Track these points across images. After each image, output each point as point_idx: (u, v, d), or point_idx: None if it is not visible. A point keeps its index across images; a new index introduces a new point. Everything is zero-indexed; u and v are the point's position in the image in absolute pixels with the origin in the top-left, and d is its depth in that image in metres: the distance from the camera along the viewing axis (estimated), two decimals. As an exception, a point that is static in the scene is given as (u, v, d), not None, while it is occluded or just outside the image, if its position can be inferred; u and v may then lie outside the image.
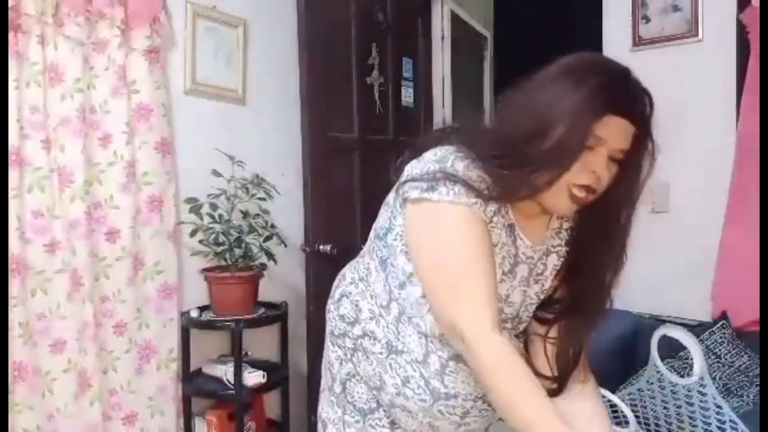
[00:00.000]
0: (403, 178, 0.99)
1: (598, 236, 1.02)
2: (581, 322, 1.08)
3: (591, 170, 0.91)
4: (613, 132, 0.89)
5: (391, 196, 1.04)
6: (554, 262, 1.08)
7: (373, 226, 1.11)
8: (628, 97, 0.91)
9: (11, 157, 1.60)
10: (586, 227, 1.04)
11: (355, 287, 1.11)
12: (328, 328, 1.17)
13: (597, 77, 0.90)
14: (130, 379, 1.83)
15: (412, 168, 0.98)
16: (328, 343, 1.17)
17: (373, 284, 1.07)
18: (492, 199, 0.93)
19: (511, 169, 0.91)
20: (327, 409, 1.17)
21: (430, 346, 1.01)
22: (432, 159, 0.96)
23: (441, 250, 0.93)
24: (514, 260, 1.01)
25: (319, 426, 1.20)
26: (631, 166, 0.93)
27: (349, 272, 1.16)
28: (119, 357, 1.82)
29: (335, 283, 1.19)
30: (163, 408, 1.89)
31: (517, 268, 1.02)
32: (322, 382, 1.21)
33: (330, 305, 1.17)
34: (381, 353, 1.05)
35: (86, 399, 1.72)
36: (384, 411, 1.10)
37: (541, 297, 1.09)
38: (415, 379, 1.02)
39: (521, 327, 1.12)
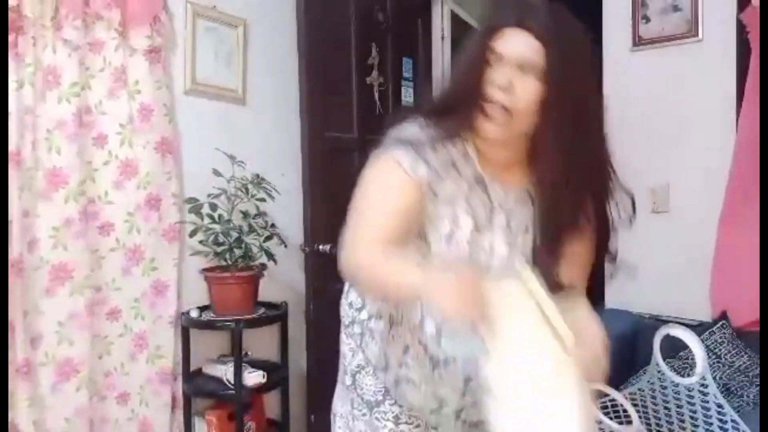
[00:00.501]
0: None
1: (552, 152, 0.97)
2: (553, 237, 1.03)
3: (496, 85, 0.92)
4: (511, 44, 0.92)
5: None
6: None
7: None
8: (518, 10, 0.94)
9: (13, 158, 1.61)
10: (539, 146, 0.99)
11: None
12: (342, 321, 1.22)
13: (491, 7, 1.00)
14: (123, 361, 1.85)
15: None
16: (342, 336, 1.22)
17: None
18: (436, 146, 0.98)
19: (446, 113, 0.98)
20: (338, 403, 1.22)
21: (425, 312, 1.03)
22: (391, 133, 1.03)
23: (362, 196, 1.01)
24: (490, 210, 1.02)
25: (332, 419, 1.25)
26: (551, 78, 0.92)
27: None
28: (113, 342, 1.83)
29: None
30: (148, 400, 1.89)
31: (495, 219, 1.02)
32: (339, 375, 1.26)
33: (342, 299, 1.23)
34: (384, 329, 1.09)
35: (73, 384, 1.74)
36: (389, 403, 1.12)
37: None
38: (414, 347, 1.05)
39: None
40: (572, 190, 0.98)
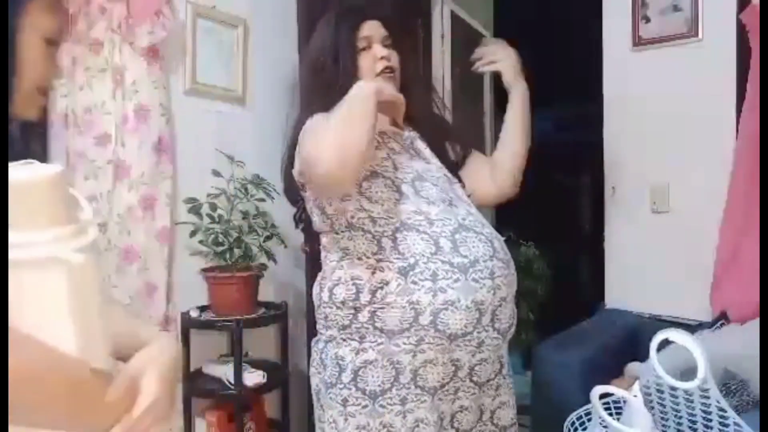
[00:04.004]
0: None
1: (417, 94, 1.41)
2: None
3: (378, 58, 1.31)
4: (373, 29, 1.33)
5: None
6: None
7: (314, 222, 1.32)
8: (367, 8, 1.38)
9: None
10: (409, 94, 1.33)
11: (341, 270, 1.21)
12: (331, 329, 1.21)
13: (339, 13, 1.35)
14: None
15: None
16: (334, 343, 1.21)
17: (356, 248, 1.20)
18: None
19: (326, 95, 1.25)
20: (326, 410, 1.21)
21: (434, 232, 1.16)
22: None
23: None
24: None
25: (318, 426, 1.24)
26: (403, 47, 1.39)
27: (323, 276, 1.27)
28: None
29: (316, 304, 1.28)
30: None
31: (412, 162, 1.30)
32: (317, 382, 1.25)
33: (322, 311, 1.24)
34: (399, 284, 1.14)
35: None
36: (396, 389, 1.14)
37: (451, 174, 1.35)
38: (441, 268, 1.14)
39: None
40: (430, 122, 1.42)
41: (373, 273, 1.16)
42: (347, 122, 1.09)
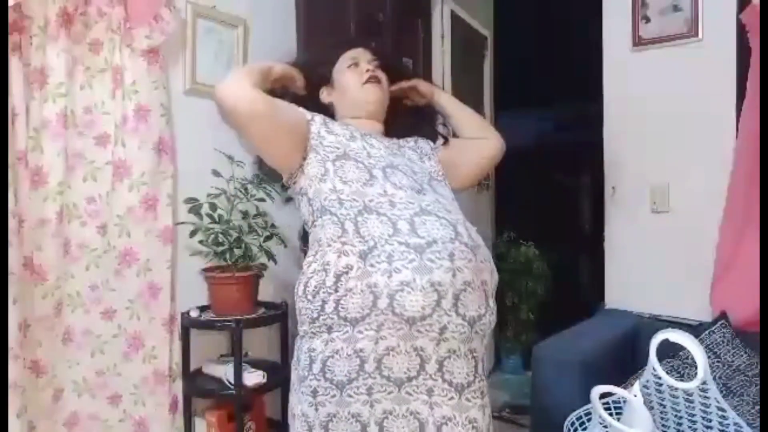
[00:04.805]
0: None
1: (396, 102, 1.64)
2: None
3: (365, 71, 1.52)
4: (358, 53, 1.56)
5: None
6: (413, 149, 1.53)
7: (305, 224, 1.39)
8: (352, 39, 1.85)
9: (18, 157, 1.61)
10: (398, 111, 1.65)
11: (315, 263, 1.25)
12: (304, 324, 1.26)
13: (335, 46, 1.63)
14: (116, 362, 1.84)
15: None
16: (308, 337, 1.25)
17: (325, 235, 1.26)
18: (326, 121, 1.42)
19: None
20: (295, 406, 1.28)
21: (393, 215, 1.21)
22: None
23: None
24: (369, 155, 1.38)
25: (290, 423, 1.30)
26: (389, 67, 1.61)
27: (302, 272, 1.30)
28: (107, 341, 1.82)
29: (294, 300, 1.31)
30: (145, 399, 1.88)
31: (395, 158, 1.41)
32: (293, 378, 1.31)
33: (298, 306, 1.28)
34: (359, 267, 1.18)
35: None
36: (363, 378, 1.17)
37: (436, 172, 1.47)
38: (397, 250, 1.17)
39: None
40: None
41: (339, 257, 1.20)
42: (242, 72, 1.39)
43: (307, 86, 1.57)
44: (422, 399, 1.19)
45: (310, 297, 1.23)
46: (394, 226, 1.19)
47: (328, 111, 1.53)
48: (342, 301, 1.18)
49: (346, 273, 1.18)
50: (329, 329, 1.20)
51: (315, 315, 1.22)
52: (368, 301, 1.16)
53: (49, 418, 1.74)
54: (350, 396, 1.18)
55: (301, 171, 1.35)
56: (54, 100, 1.69)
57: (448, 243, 1.17)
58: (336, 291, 1.18)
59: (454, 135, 1.67)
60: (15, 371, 1.53)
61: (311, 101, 1.54)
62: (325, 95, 1.58)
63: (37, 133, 1.68)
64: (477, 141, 1.63)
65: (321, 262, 1.23)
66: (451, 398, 1.19)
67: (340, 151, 1.32)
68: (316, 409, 1.21)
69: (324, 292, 1.20)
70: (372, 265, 1.16)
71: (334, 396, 1.19)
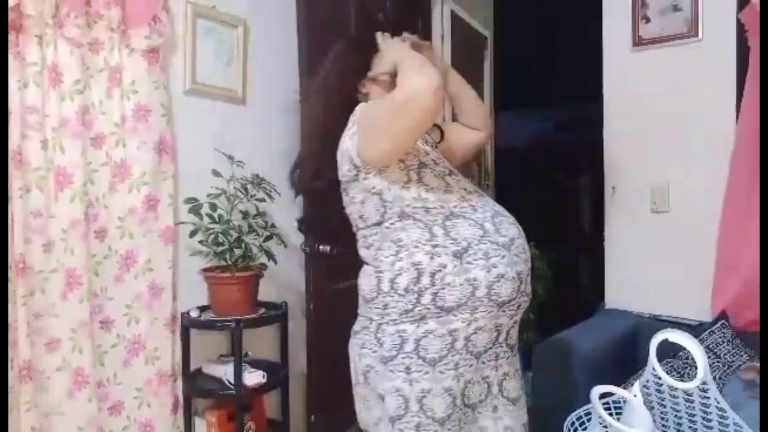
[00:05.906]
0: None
1: None
2: None
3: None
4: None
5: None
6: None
7: (359, 218, 1.40)
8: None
9: (15, 157, 1.61)
10: None
11: (401, 261, 1.30)
12: (391, 315, 1.31)
13: (349, 46, 1.57)
14: (116, 371, 1.83)
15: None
16: (393, 324, 1.30)
17: (409, 237, 1.30)
18: None
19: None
20: (384, 384, 1.31)
21: (478, 218, 1.33)
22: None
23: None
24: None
25: (375, 403, 1.35)
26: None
27: (379, 270, 1.34)
28: (107, 351, 1.82)
29: (369, 296, 1.35)
30: (149, 400, 1.88)
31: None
32: (369, 361, 1.33)
33: (381, 301, 1.32)
34: (455, 266, 1.28)
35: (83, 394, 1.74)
36: (452, 355, 1.28)
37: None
38: (492, 247, 1.30)
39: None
40: None
41: (432, 258, 1.28)
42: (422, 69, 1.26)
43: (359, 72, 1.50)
44: (491, 365, 1.37)
45: (401, 292, 1.29)
46: (482, 227, 1.32)
47: (356, 102, 1.44)
48: (440, 294, 1.27)
49: (440, 271, 1.28)
50: (423, 317, 1.28)
51: (410, 307, 1.29)
52: (467, 292, 1.28)
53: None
54: (441, 372, 1.28)
55: (377, 170, 1.34)
56: (71, 98, 1.70)
57: (519, 239, 1.37)
58: (433, 285, 1.28)
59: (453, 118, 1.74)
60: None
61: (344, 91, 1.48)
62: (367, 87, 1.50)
63: (56, 132, 1.68)
64: (473, 131, 1.69)
65: (409, 261, 1.29)
66: (509, 357, 1.41)
67: (418, 160, 1.38)
68: (411, 384, 1.29)
69: (419, 288, 1.28)
70: (469, 263, 1.28)
71: (427, 372, 1.28)
